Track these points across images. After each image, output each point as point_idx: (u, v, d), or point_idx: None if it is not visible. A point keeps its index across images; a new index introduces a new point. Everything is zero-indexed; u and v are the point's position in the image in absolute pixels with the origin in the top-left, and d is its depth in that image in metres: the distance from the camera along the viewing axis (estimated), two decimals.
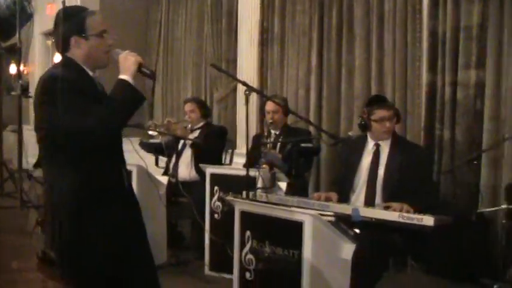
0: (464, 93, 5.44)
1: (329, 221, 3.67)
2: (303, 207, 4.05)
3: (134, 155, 4.43)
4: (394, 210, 3.94)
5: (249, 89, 4.12)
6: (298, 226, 3.65)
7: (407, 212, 3.89)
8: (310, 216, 3.62)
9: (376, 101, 4.50)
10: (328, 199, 4.34)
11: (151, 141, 6.27)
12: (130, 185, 3.30)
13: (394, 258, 4.39)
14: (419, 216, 3.74)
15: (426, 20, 5.81)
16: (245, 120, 4.32)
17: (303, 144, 5.06)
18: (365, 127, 4.46)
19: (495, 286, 3.89)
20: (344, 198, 4.45)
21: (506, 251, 4.34)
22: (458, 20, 5.51)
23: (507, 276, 3.81)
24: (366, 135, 4.51)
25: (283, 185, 4.97)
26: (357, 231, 3.77)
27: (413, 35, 5.93)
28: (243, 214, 4.04)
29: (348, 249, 3.66)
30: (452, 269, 5.15)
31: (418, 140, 5.77)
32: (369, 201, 4.34)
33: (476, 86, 5.38)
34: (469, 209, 5.09)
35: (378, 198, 4.32)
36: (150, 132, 6.09)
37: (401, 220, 3.79)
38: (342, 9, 6.64)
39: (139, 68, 3.06)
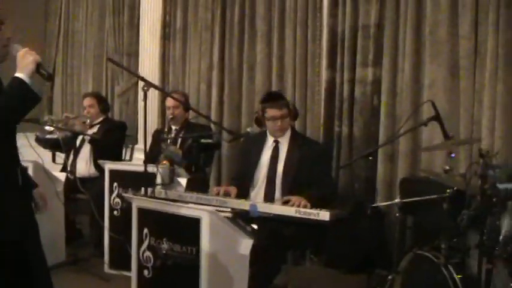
0: (362, 90, 5.58)
1: (226, 217, 3.66)
2: (202, 204, 4.03)
3: (30, 150, 4.28)
4: (293, 204, 3.98)
5: (147, 84, 4.06)
6: (195, 222, 3.63)
7: (305, 206, 3.94)
8: (207, 213, 3.61)
9: (271, 98, 4.50)
10: (227, 193, 4.34)
11: (48, 136, 6.09)
12: (27, 184, 3.17)
13: (293, 252, 4.45)
14: (316, 211, 3.80)
15: (326, 18, 5.92)
16: (143, 115, 4.26)
17: (203, 140, 5.04)
18: (260, 124, 4.50)
19: (389, 277, 3.99)
20: (244, 193, 4.46)
21: (399, 243, 4.47)
22: (356, 19, 5.65)
23: (399, 268, 3.91)
24: (266, 131, 4.54)
25: (183, 181, 4.93)
26: (255, 226, 3.79)
27: (313, 32, 6.02)
28: (141, 211, 3.98)
29: (245, 245, 3.67)
30: (349, 261, 5.27)
31: (318, 136, 5.88)
32: (269, 197, 4.37)
33: (373, 83, 5.54)
34: (366, 202, 5.21)
35: (278, 194, 4.36)
36: (47, 128, 5.91)
37: (298, 215, 3.85)
38: (244, 5, 6.66)
39: (37, 68, 2.95)
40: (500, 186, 3.11)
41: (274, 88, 6.24)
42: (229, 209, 3.87)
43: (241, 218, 3.79)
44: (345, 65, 5.70)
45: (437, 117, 3.90)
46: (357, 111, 5.62)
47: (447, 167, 4.08)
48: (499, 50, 4.76)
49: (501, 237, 3.53)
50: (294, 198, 4.05)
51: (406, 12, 5.30)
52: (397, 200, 4.09)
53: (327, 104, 5.87)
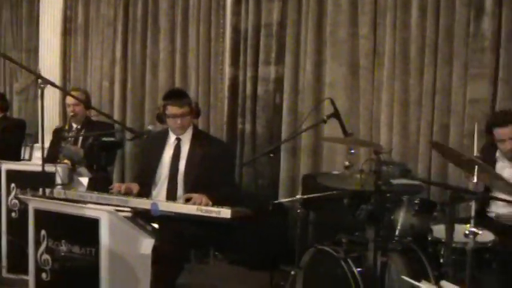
0: (265, 88, 5.64)
1: (126, 217, 3.60)
2: (102, 203, 3.94)
3: None
4: (194, 202, 3.97)
5: (44, 81, 3.93)
6: (94, 223, 3.53)
7: (207, 203, 3.93)
8: (106, 213, 3.53)
9: (172, 95, 4.46)
10: (128, 190, 4.27)
11: None
12: None
13: (196, 250, 4.42)
14: (217, 209, 3.79)
15: (229, 16, 5.94)
16: (40, 114, 4.12)
17: (104, 138, 4.91)
18: (161, 121, 4.45)
19: (292, 272, 4.03)
20: (146, 192, 4.40)
21: (302, 238, 4.51)
22: (259, 17, 5.71)
23: (301, 263, 3.96)
24: (168, 129, 4.50)
25: (85, 180, 4.82)
26: (156, 225, 3.74)
27: (216, 30, 6.03)
28: (37, 212, 3.84)
29: (146, 244, 3.61)
30: (254, 257, 5.31)
31: (221, 133, 5.89)
32: (171, 195, 4.32)
33: (275, 81, 5.61)
34: (269, 199, 5.26)
35: (180, 192, 4.31)
36: None
37: (199, 213, 3.83)
38: (147, 1, 6.58)
39: None
40: (394, 181, 3.21)
41: (177, 85, 6.21)
42: (129, 209, 3.79)
43: (142, 218, 3.73)
44: (248, 62, 5.75)
45: (336, 115, 3.98)
46: (260, 108, 5.67)
47: (347, 163, 4.16)
48: (396, 49, 4.92)
49: (397, 231, 3.66)
50: (196, 196, 4.03)
51: (307, 12, 5.39)
52: (298, 197, 4.13)
53: (230, 101, 5.90)
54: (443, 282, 2.07)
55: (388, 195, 3.17)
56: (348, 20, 5.19)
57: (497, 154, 4.14)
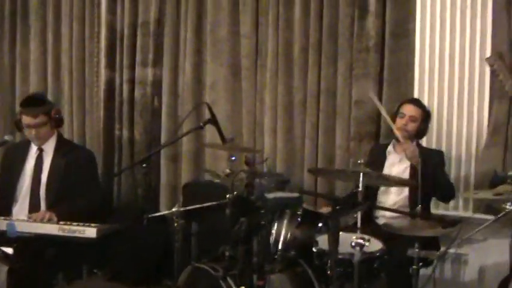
0: (142, 91, 5.29)
1: None
2: None
3: None
4: (34, 219, 3.61)
5: None
6: None
7: (50, 219, 3.58)
8: None
9: (27, 103, 4.02)
10: None
11: None
12: None
13: (65, 271, 4.01)
14: (81, 228, 3.43)
15: (104, 14, 5.51)
16: None
17: None
18: (19, 129, 4.02)
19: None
20: (6, 209, 3.95)
21: (183, 252, 4.21)
22: (136, 15, 5.33)
23: (179, 282, 3.64)
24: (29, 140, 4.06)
25: None
26: (8, 249, 3.31)
27: (91, 29, 5.59)
28: None
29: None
30: (133, 273, 4.95)
31: (98, 140, 5.48)
32: (34, 210, 3.89)
33: (153, 83, 5.27)
34: (149, 210, 4.92)
35: (43, 206, 3.91)
36: None
37: (61, 233, 3.45)
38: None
39: None
40: (269, 196, 2.94)
41: (50, 89, 5.73)
42: None
43: None
44: (124, 64, 5.36)
45: (213, 120, 3.68)
46: (138, 113, 5.31)
47: (228, 171, 3.91)
48: (279, 50, 4.72)
49: (280, 245, 3.41)
50: (38, 214, 3.67)
51: (186, 9, 5.11)
52: (174, 209, 3.81)
53: (106, 106, 5.48)
54: None
55: (262, 211, 2.89)
56: (228, 19, 4.95)
57: (388, 149, 4.13)
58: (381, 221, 3.96)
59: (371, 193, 4.03)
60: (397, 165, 4.06)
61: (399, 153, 4.05)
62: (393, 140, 4.11)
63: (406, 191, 3.98)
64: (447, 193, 3.97)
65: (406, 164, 3.97)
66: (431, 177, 3.83)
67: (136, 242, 4.78)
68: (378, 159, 4.12)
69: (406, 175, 3.95)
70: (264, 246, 2.91)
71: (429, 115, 4.08)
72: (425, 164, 3.80)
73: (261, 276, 2.84)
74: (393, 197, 4.06)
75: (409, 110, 4.01)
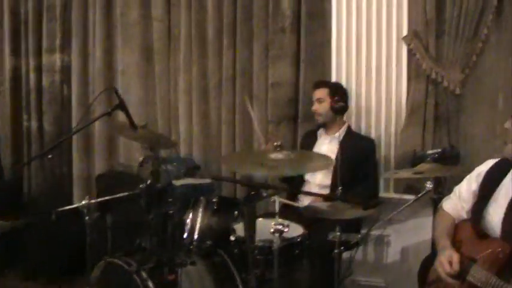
0: (50, 79, 5.02)
1: None
2: None
3: None
4: None
5: None
6: None
7: None
8: None
9: None
10: None
11: None
12: None
13: None
14: None
15: None
16: None
17: None
18: None
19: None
20: None
21: (98, 245, 3.99)
22: None
23: (91, 278, 3.42)
24: None
25: None
26: None
27: None
28: None
29: None
30: (49, 269, 4.70)
31: (6, 132, 5.19)
32: None
33: (62, 70, 5.03)
34: (62, 203, 4.68)
35: None
36: None
37: None
38: None
39: None
40: (177, 183, 2.76)
41: None
42: None
43: None
44: (30, 50, 5.10)
45: (121, 106, 3.46)
46: (46, 102, 5.04)
47: (141, 159, 3.70)
48: (192, 32, 4.55)
49: (195, 235, 3.26)
50: None
51: None
52: (84, 202, 3.57)
53: (13, 95, 5.20)
54: None
55: (170, 199, 2.70)
56: (139, 1, 4.75)
57: (320, 131, 4.12)
58: (304, 204, 3.88)
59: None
60: (326, 145, 4.02)
61: (330, 135, 4.03)
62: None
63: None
64: (367, 191, 3.92)
65: (336, 146, 3.89)
66: (355, 163, 3.83)
67: (48, 237, 4.53)
68: (308, 142, 4.12)
69: (333, 156, 3.87)
70: (174, 238, 2.72)
71: (337, 88, 4.05)
72: (351, 150, 3.83)
73: (171, 269, 2.66)
74: (320, 176, 3.99)
75: (314, 94, 4.06)
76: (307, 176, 4.04)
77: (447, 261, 2.50)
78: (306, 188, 4.01)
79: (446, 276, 2.49)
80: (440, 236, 2.69)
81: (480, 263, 2.41)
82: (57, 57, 4.99)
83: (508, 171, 2.53)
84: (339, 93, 4.03)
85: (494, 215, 2.49)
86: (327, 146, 4.01)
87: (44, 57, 5.03)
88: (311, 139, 4.13)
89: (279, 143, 3.27)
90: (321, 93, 4.01)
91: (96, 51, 4.85)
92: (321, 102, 4.00)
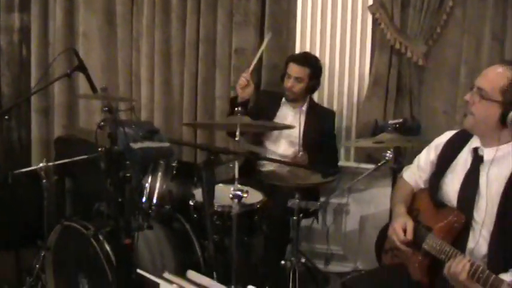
0: (8, 39, 4.88)
1: None
2: None
3: None
4: None
5: None
6: None
7: None
8: None
9: None
10: None
11: None
12: None
13: None
14: None
15: None
16: None
17: None
18: None
19: (42, 253, 3.45)
20: None
21: (55, 211, 3.94)
22: None
23: (48, 243, 3.38)
24: None
25: None
26: None
27: None
28: None
29: None
30: (5, 234, 4.61)
31: None
32: None
33: (21, 31, 4.87)
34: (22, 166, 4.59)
35: None
36: None
37: None
38: None
39: None
40: (135, 146, 2.72)
41: None
42: None
43: None
44: None
45: (81, 67, 3.38)
46: (4, 64, 4.91)
47: (102, 123, 3.64)
48: None
49: (154, 199, 3.23)
50: None
51: None
52: (41, 165, 3.51)
53: None
54: (190, 273, 1.66)
55: (127, 162, 2.66)
56: None
57: (282, 100, 4.05)
58: (266, 169, 3.90)
59: (257, 141, 4.03)
60: (291, 117, 3.98)
61: (294, 107, 3.98)
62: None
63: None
64: (328, 160, 3.93)
65: (299, 118, 3.81)
66: (317, 134, 3.88)
67: (3, 201, 4.44)
68: (270, 106, 4.05)
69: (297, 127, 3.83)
70: (132, 202, 2.69)
71: (318, 71, 3.98)
72: (313, 121, 3.89)
73: (127, 234, 2.64)
74: (284, 147, 3.99)
75: (294, 71, 3.91)
76: (269, 145, 4.03)
77: (401, 228, 2.52)
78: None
79: (400, 243, 2.51)
80: (396, 203, 2.71)
81: (436, 232, 2.44)
82: (16, 17, 4.83)
83: (466, 142, 2.55)
84: (319, 76, 3.97)
85: (451, 186, 2.51)
86: (292, 117, 3.97)
87: (1, 16, 4.86)
88: (273, 104, 4.07)
89: (238, 109, 3.19)
90: (302, 72, 3.90)
91: (56, 12, 4.70)
92: (299, 82, 3.90)
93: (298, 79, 3.90)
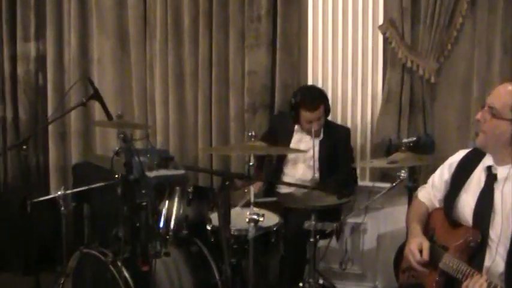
0: (25, 68, 4.97)
1: None
2: None
3: None
4: None
5: None
6: None
7: None
8: None
9: None
10: None
11: None
12: None
13: None
14: None
15: None
16: None
17: None
18: None
19: (61, 279, 3.48)
20: None
21: (74, 235, 3.99)
22: None
23: (68, 269, 3.41)
24: None
25: None
26: None
27: None
28: None
29: None
30: (24, 261, 4.67)
31: None
32: None
33: (37, 59, 4.97)
34: (39, 192, 4.64)
35: None
36: None
37: None
38: None
39: None
40: (150, 174, 2.75)
41: None
42: None
43: None
44: (4, 39, 5.01)
45: (96, 96, 3.44)
46: (21, 91, 4.99)
47: (116, 149, 3.69)
48: (168, 18, 4.51)
49: (172, 225, 3.26)
50: None
51: None
52: (59, 193, 3.56)
53: None
54: None
55: (143, 191, 2.70)
56: None
57: (296, 127, 4.01)
58: (283, 192, 3.93)
59: (276, 166, 4.04)
60: (304, 140, 3.98)
61: (306, 134, 3.96)
62: None
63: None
64: (343, 180, 3.93)
65: (314, 143, 3.82)
66: (332, 153, 3.90)
67: (23, 228, 4.49)
68: (284, 131, 4.05)
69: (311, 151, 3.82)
70: (148, 229, 2.72)
71: (326, 98, 3.95)
72: (329, 142, 3.90)
73: (145, 260, 2.67)
74: (302, 171, 4.01)
75: (312, 117, 3.85)
76: (287, 170, 4.05)
77: (417, 249, 2.53)
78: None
79: (417, 264, 2.52)
80: (411, 223, 2.72)
81: (452, 251, 2.44)
82: (32, 46, 4.93)
83: (479, 161, 2.55)
84: (328, 103, 3.96)
85: (466, 205, 2.51)
86: (307, 142, 3.95)
87: (18, 45, 4.96)
88: (287, 128, 4.05)
89: (252, 133, 3.20)
90: (318, 113, 3.86)
91: (71, 39, 4.78)
92: (319, 119, 3.88)
93: (318, 119, 3.87)
